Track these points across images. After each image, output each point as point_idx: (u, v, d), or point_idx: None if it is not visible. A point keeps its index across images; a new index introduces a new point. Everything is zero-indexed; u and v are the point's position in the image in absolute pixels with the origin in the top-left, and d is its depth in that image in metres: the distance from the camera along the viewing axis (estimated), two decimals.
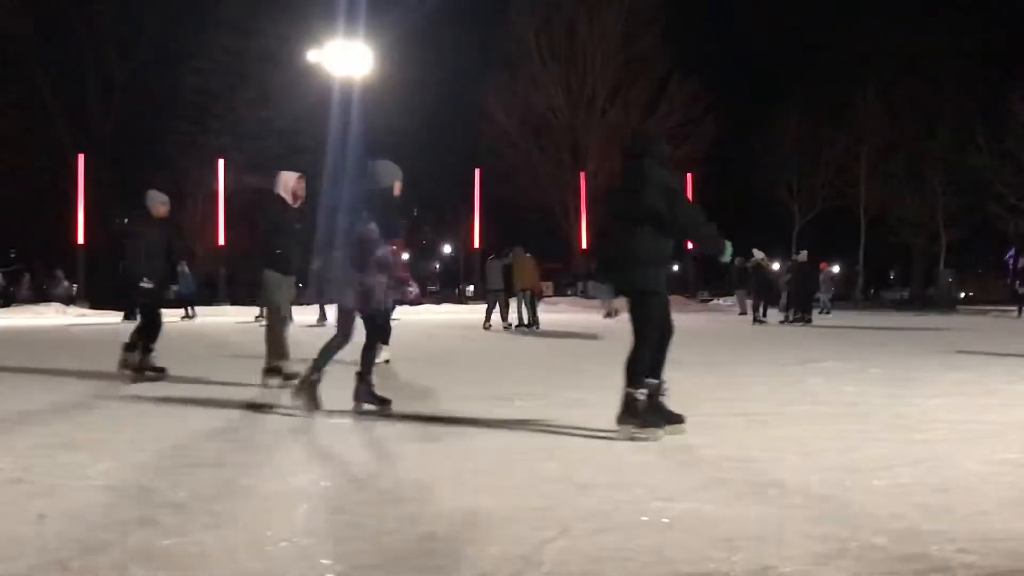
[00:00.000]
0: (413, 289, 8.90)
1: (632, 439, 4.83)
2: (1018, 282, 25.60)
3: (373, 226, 5.85)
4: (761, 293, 20.98)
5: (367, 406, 5.98)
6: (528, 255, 18.17)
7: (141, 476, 4.04)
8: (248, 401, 6.70)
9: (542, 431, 5.30)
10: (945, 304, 31.52)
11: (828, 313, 25.66)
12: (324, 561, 2.80)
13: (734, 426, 5.44)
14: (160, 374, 8.20)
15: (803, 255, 22.31)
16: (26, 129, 37.79)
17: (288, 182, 7.59)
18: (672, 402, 5.10)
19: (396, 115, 38.99)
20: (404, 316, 23.28)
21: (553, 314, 24.31)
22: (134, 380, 7.97)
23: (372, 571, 2.72)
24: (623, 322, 5.61)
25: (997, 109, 38.27)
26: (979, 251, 48.63)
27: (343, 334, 6.08)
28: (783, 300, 21.93)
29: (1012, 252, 27.74)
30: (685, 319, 24.18)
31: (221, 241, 31.91)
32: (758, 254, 20.75)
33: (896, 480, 3.91)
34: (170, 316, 22.93)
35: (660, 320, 5.09)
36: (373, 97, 35.83)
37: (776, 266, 24.82)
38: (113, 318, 22.88)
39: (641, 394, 4.94)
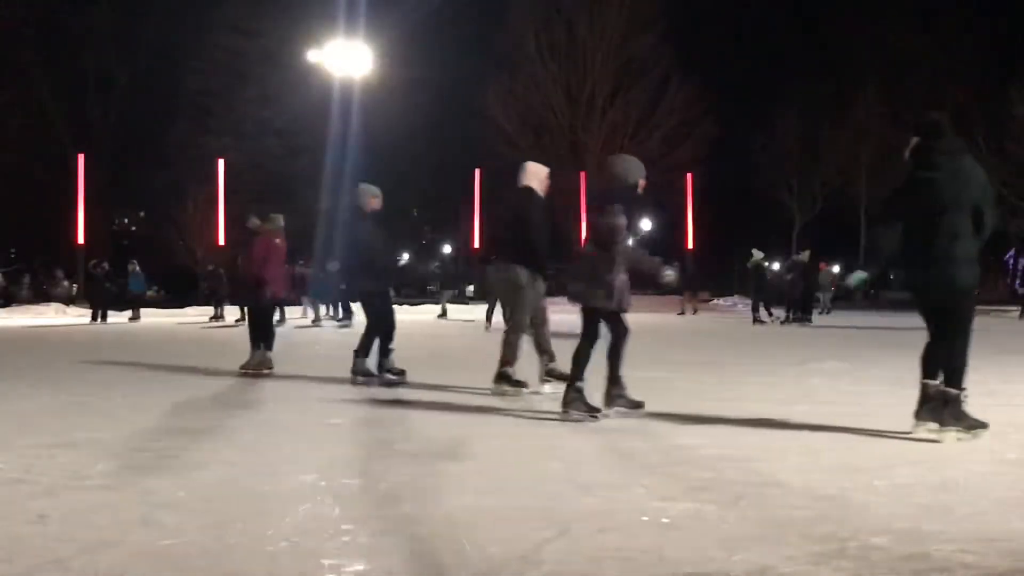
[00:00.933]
0: (269, 290, 8.63)
1: (959, 440, 4.77)
2: (1018, 282, 25.57)
3: (622, 220, 5.66)
4: (760, 293, 20.97)
5: (620, 409, 5.73)
6: None
7: (141, 476, 4.04)
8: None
9: (543, 431, 5.30)
10: None
11: (828, 313, 25.67)
12: (324, 561, 2.80)
13: (734, 426, 5.44)
14: (401, 377, 7.84)
15: (805, 255, 22.31)
16: (26, 129, 37.80)
17: (541, 174, 7.19)
18: (673, 402, 5.08)
19: (396, 115, 39.00)
20: (402, 316, 23.30)
21: (553, 314, 24.28)
22: (367, 383, 7.71)
23: (372, 571, 2.73)
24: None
25: (997, 109, 38.27)
26: (979, 251, 48.60)
27: (593, 335, 5.83)
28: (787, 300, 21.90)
29: (1012, 252, 27.72)
30: (685, 319, 24.18)
31: (221, 241, 31.89)
32: (757, 254, 20.75)
33: (896, 480, 3.91)
34: (119, 317, 22.94)
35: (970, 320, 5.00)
36: (373, 97, 35.83)
37: (776, 266, 24.76)
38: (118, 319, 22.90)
39: (966, 395, 4.87)
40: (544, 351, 7.16)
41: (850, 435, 5.09)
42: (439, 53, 40.34)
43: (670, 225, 39.19)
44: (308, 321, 20.60)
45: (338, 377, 8.46)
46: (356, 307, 20.01)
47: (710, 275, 41.04)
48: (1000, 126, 38.24)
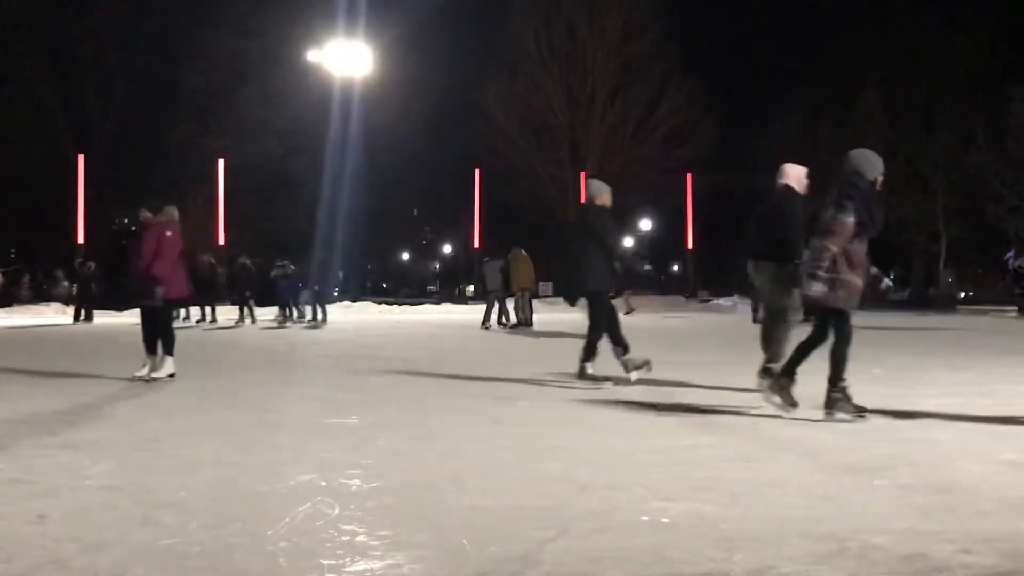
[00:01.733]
0: (161, 289, 7.95)
1: None
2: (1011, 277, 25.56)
3: (851, 219, 5.53)
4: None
5: (841, 415, 5.51)
6: (525, 255, 18.26)
7: (141, 476, 4.04)
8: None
9: (542, 431, 5.30)
10: (945, 304, 31.52)
11: None
12: (324, 561, 2.80)
13: (734, 426, 5.44)
14: (649, 367, 7.61)
15: (806, 255, 22.33)
16: (26, 129, 37.78)
17: (800, 174, 7.13)
18: (673, 402, 5.07)
19: (396, 115, 39.00)
20: (402, 316, 23.33)
21: (552, 314, 24.30)
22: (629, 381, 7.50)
23: (372, 571, 2.73)
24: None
25: (997, 109, 38.25)
26: (979, 251, 48.69)
27: (824, 331, 5.77)
28: None
29: (1012, 252, 27.79)
30: (685, 319, 24.19)
31: (221, 241, 31.89)
32: None
33: (896, 480, 3.91)
34: (100, 316, 22.89)
35: None
36: (373, 97, 35.83)
37: None
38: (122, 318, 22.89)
39: None
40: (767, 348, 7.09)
41: (849, 435, 5.09)
42: (439, 53, 40.40)
43: (670, 225, 39.17)
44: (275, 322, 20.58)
45: (338, 376, 8.47)
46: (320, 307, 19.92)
47: (710, 275, 41.21)
48: (1000, 126, 38.22)
